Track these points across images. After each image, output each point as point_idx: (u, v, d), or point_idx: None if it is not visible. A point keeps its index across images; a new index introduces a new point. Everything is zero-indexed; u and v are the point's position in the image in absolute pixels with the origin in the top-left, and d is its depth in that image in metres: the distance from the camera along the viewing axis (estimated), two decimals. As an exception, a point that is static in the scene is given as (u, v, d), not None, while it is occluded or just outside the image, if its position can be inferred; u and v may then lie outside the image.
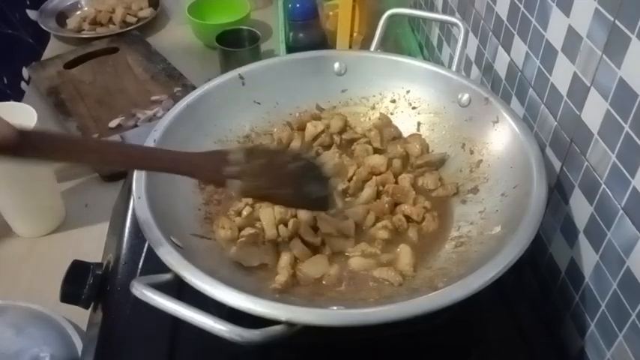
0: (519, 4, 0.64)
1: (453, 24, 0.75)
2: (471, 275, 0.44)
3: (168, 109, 0.65)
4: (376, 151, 0.67)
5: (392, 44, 1.00)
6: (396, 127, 0.70)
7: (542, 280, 0.63)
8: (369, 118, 0.72)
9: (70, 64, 1.13)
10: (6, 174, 0.72)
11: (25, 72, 1.13)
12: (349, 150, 0.68)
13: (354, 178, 0.63)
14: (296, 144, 0.68)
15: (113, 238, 0.64)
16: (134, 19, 1.27)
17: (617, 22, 0.46)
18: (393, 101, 0.71)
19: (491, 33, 0.73)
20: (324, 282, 0.53)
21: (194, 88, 0.84)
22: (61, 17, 1.29)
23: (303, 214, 0.58)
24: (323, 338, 0.49)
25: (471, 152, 0.63)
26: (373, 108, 0.72)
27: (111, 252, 0.63)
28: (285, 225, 0.57)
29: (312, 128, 0.69)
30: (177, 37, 1.25)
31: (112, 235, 0.67)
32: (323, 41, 1.06)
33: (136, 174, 0.55)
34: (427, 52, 1.04)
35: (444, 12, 0.92)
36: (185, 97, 0.65)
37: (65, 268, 0.58)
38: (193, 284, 0.44)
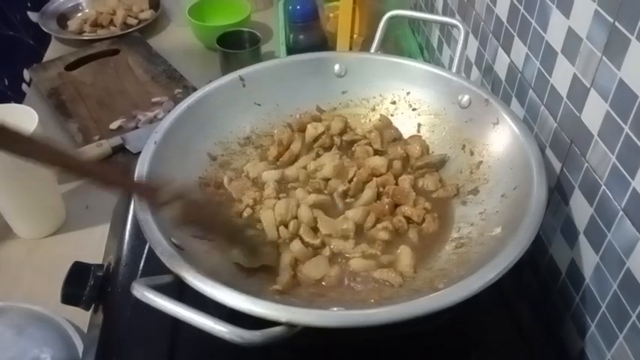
0: (519, 6, 0.64)
1: (453, 25, 0.76)
2: (472, 276, 0.44)
3: (169, 111, 0.65)
4: (376, 152, 0.67)
5: (392, 46, 1.00)
6: (396, 129, 0.70)
7: (542, 280, 0.63)
8: (370, 120, 0.72)
9: (71, 66, 1.13)
10: (7, 175, 0.73)
11: (26, 73, 1.13)
12: (349, 151, 0.68)
13: (355, 179, 0.63)
14: (296, 146, 0.68)
15: (114, 240, 0.64)
16: (135, 21, 1.27)
17: (616, 23, 0.46)
18: (394, 103, 0.71)
19: (491, 34, 0.73)
20: (324, 283, 0.53)
21: (195, 89, 0.84)
22: (62, 19, 1.30)
23: (304, 216, 0.58)
24: (323, 339, 0.49)
25: (471, 153, 0.63)
26: (373, 109, 0.72)
27: (112, 253, 0.63)
28: (286, 226, 0.57)
29: (312, 130, 0.69)
30: (178, 38, 1.25)
31: (112, 236, 0.67)
32: (323, 43, 1.06)
33: (136, 176, 0.55)
34: (427, 53, 1.05)
35: (444, 14, 0.92)
36: (186, 99, 0.65)
37: (66, 270, 0.58)
38: (194, 285, 0.44)
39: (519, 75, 0.66)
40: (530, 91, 0.63)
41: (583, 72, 0.52)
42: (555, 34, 0.57)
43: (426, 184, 0.63)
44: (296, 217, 0.58)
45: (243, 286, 0.46)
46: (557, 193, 0.58)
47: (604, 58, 0.48)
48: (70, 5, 1.33)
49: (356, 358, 0.52)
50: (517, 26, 0.65)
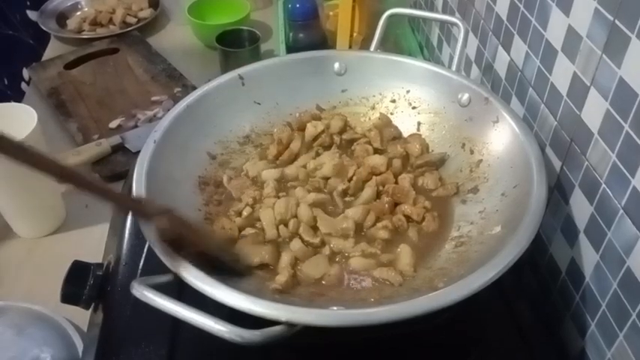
0: (519, 4, 0.64)
1: (453, 24, 0.75)
2: (471, 275, 0.44)
3: (169, 110, 0.65)
4: (376, 151, 0.67)
5: (392, 44, 1.00)
6: (396, 127, 0.70)
7: (542, 280, 0.63)
8: (369, 118, 0.72)
9: (71, 65, 1.13)
10: (6, 174, 0.73)
11: (25, 73, 1.13)
12: (349, 150, 0.68)
13: (354, 178, 0.63)
14: (296, 144, 0.68)
15: (113, 239, 0.64)
16: (134, 20, 1.27)
17: (616, 21, 0.46)
18: (393, 101, 0.71)
19: (491, 33, 0.73)
20: (324, 282, 0.53)
21: (194, 88, 0.84)
22: (62, 18, 1.29)
23: (304, 215, 0.58)
24: (323, 338, 0.49)
25: (471, 152, 0.63)
26: (373, 108, 0.72)
27: (111, 253, 0.63)
28: (286, 225, 0.57)
29: (312, 128, 0.69)
30: (178, 37, 1.25)
31: (112, 235, 0.67)
32: (323, 41, 1.06)
33: (136, 175, 0.55)
34: (427, 52, 1.04)
35: (444, 12, 0.92)
36: (185, 98, 0.65)
37: (66, 269, 0.58)
38: (193, 285, 0.44)
39: (519, 73, 0.66)
40: (530, 89, 0.63)
41: (583, 70, 0.52)
42: (555, 32, 0.57)
43: (425, 182, 0.63)
44: (296, 216, 0.58)
45: (242, 285, 0.46)
46: (557, 191, 0.58)
47: (604, 56, 0.48)
48: (69, 4, 1.33)
49: (356, 357, 0.52)
50: (517, 24, 0.65)
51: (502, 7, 0.69)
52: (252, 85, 0.69)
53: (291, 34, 1.07)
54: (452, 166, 0.65)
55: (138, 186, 0.53)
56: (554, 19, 0.57)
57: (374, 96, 0.72)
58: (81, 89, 1.06)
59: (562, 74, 0.56)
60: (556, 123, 0.58)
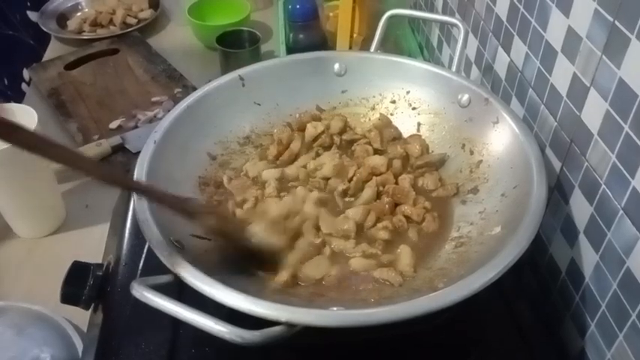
0: (519, 5, 0.64)
1: (453, 25, 0.75)
2: (471, 276, 0.44)
3: (169, 110, 0.65)
4: (376, 151, 0.67)
5: (392, 45, 1.00)
6: (396, 128, 0.70)
7: (542, 280, 0.63)
8: (369, 119, 0.72)
9: (71, 66, 1.13)
10: (6, 174, 0.73)
11: (25, 73, 1.13)
12: (349, 151, 0.68)
13: (355, 178, 0.63)
14: (296, 145, 0.68)
15: (113, 239, 0.64)
16: (134, 21, 1.27)
17: (616, 22, 0.46)
18: (393, 102, 0.71)
19: (491, 33, 0.73)
20: (324, 282, 0.53)
21: (194, 89, 0.84)
22: (62, 18, 1.29)
23: (310, 212, 0.58)
24: (323, 339, 0.49)
25: (471, 153, 0.63)
26: (373, 109, 0.72)
27: (111, 253, 0.63)
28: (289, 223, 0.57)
29: (312, 129, 0.69)
30: (178, 38, 1.25)
31: (112, 235, 0.67)
32: (323, 42, 1.06)
33: (136, 175, 0.55)
34: (427, 52, 1.04)
35: (444, 13, 0.92)
36: (185, 98, 0.65)
37: (65, 269, 0.58)
38: (193, 285, 0.44)
39: (519, 74, 0.66)
40: (530, 90, 0.63)
41: (583, 71, 0.52)
42: (555, 33, 0.57)
43: (425, 183, 0.63)
44: (299, 214, 0.58)
45: (242, 285, 0.46)
46: (557, 192, 0.58)
47: (604, 57, 0.48)
48: (69, 5, 1.33)
49: (356, 357, 0.52)
50: (517, 25, 0.65)
51: (502, 8, 0.69)
52: (252, 86, 0.69)
53: (291, 35, 1.07)
54: (452, 167, 0.65)
55: (138, 186, 0.53)
56: (554, 20, 0.57)
57: (374, 97, 0.72)
58: (81, 90, 1.07)
59: (562, 75, 0.56)
60: (556, 124, 0.58)
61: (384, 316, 0.42)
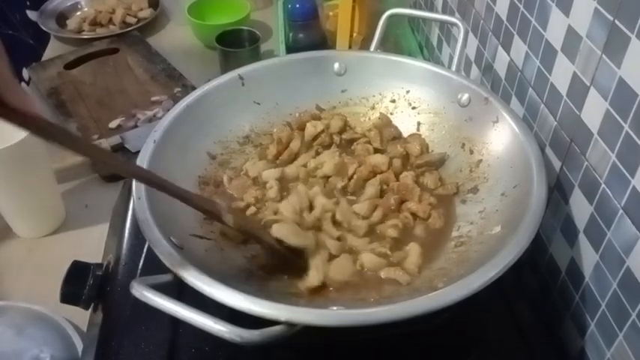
0: (519, 4, 0.64)
1: (453, 24, 0.75)
2: (471, 275, 0.44)
3: (168, 110, 0.65)
4: (376, 151, 0.67)
5: (392, 44, 1.00)
6: (395, 127, 0.70)
7: (542, 280, 0.63)
8: (369, 118, 0.72)
9: (71, 65, 1.13)
10: (6, 174, 0.73)
11: (25, 73, 1.13)
12: (349, 150, 0.68)
13: (355, 176, 0.63)
14: (296, 144, 0.68)
15: (113, 239, 0.64)
16: (134, 20, 1.27)
17: (616, 21, 0.46)
18: (393, 101, 0.71)
19: (490, 33, 0.73)
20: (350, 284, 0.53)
21: (194, 88, 0.84)
22: (61, 18, 1.29)
23: (323, 203, 0.58)
24: (323, 338, 0.49)
25: (471, 152, 0.63)
26: (373, 108, 0.72)
27: (111, 252, 0.63)
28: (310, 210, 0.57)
29: (311, 128, 0.69)
30: (177, 37, 1.25)
31: (112, 235, 0.67)
32: (323, 41, 1.06)
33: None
34: (427, 52, 1.04)
35: (444, 12, 0.92)
36: (185, 98, 0.65)
37: (65, 269, 0.58)
38: (193, 285, 0.44)
39: (519, 73, 0.66)
40: (530, 89, 0.63)
41: (583, 70, 0.52)
42: (555, 32, 0.57)
43: (425, 182, 0.63)
44: (311, 207, 0.58)
45: (242, 285, 0.46)
46: (557, 191, 0.58)
47: (604, 56, 0.48)
48: (69, 4, 1.33)
49: (356, 357, 0.52)
50: (517, 25, 0.65)
51: (502, 7, 0.69)
52: (251, 85, 0.69)
53: (290, 35, 1.07)
54: (452, 166, 0.65)
55: (137, 186, 0.53)
56: (553, 19, 0.57)
57: (374, 96, 0.72)
58: (81, 89, 1.06)
59: (562, 74, 0.56)
60: (556, 123, 0.58)
61: (383, 316, 0.42)
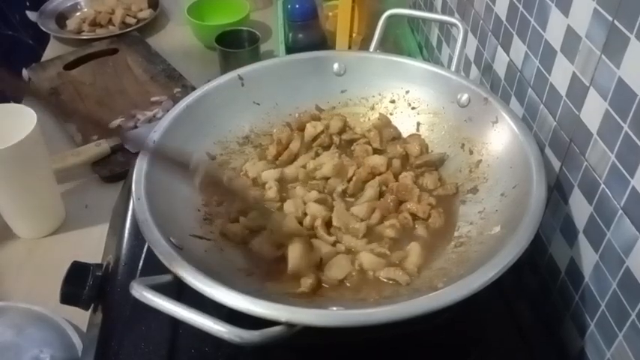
0: (518, 5, 0.64)
1: (452, 24, 0.75)
2: (471, 275, 0.44)
3: (168, 110, 0.65)
4: (376, 151, 0.67)
5: (391, 45, 1.00)
6: (395, 128, 0.70)
7: (541, 280, 0.63)
8: (369, 119, 0.72)
9: (70, 66, 1.13)
10: (6, 174, 0.72)
11: (25, 73, 1.13)
12: (349, 150, 0.68)
13: (354, 178, 0.63)
14: (295, 145, 0.68)
15: (113, 239, 0.64)
16: (134, 20, 1.27)
17: (616, 22, 0.46)
18: (393, 102, 0.71)
19: (490, 33, 0.73)
20: (348, 284, 0.53)
21: (194, 88, 0.84)
22: (61, 18, 1.29)
23: (316, 210, 0.58)
24: (323, 339, 0.49)
25: (471, 152, 0.63)
26: (372, 108, 0.72)
27: (111, 253, 0.63)
28: (301, 223, 0.58)
29: (311, 129, 0.69)
30: (177, 38, 1.25)
31: (111, 236, 0.67)
32: (322, 42, 1.06)
33: (135, 175, 0.55)
34: (426, 52, 1.04)
35: (444, 12, 0.92)
36: (185, 98, 0.65)
37: (65, 269, 0.58)
38: (192, 285, 0.44)
39: (518, 74, 0.66)
40: (530, 89, 0.63)
41: (582, 71, 0.52)
42: (554, 32, 0.57)
43: (425, 182, 0.63)
44: (306, 214, 0.58)
45: (242, 285, 0.46)
46: (557, 192, 0.58)
47: (603, 56, 0.48)
48: (68, 4, 1.33)
49: (356, 357, 0.52)
50: (516, 25, 0.65)
51: (501, 7, 0.69)
52: (251, 86, 0.69)
53: (290, 35, 1.07)
54: (451, 167, 0.65)
55: (137, 187, 0.53)
56: (553, 19, 0.57)
57: (373, 96, 0.72)
58: (80, 90, 1.06)
59: (561, 74, 0.56)
60: (555, 123, 0.58)
61: (384, 316, 0.42)
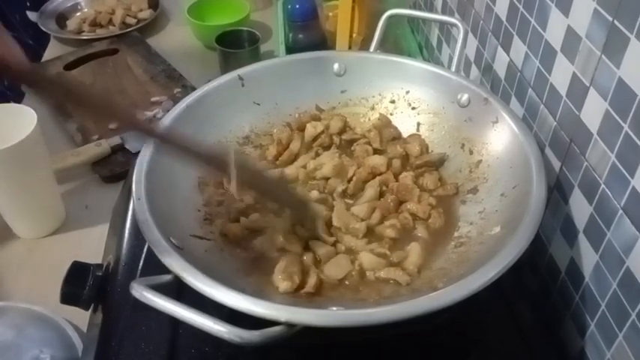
0: (518, 5, 0.64)
1: (453, 24, 0.75)
2: (471, 275, 0.44)
3: (168, 110, 0.65)
4: (376, 151, 0.67)
5: (391, 45, 1.00)
6: (395, 128, 0.70)
7: (542, 280, 0.63)
8: (369, 119, 0.72)
9: (70, 66, 1.13)
10: (6, 174, 0.73)
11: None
12: (349, 150, 0.68)
13: (354, 178, 0.63)
14: (296, 145, 0.68)
15: (113, 239, 0.64)
16: (134, 21, 1.27)
17: (616, 22, 0.46)
18: (393, 102, 0.71)
19: (490, 33, 0.73)
20: (347, 283, 0.53)
21: (194, 89, 0.84)
22: (61, 19, 1.29)
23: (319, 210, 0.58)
24: (323, 339, 0.49)
25: (471, 152, 0.63)
26: (373, 108, 0.72)
27: (111, 253, 0.63)
28: (302, 225, 0.58)
29: (311, 129, 0.69)
30: (177, 38, 1.25)
31: (112, 236, 0.67)
32: (323, 42, 1.06)
33: (135, 176, 0.55)
34: (427, 52, 1.04)
35: (444, 12, 0.92)
36: (185, 98, 0.65)
37: (65, 270, 0.58)
38: (192, 285, 0.44)
39: (519, 74, 0.66)
40: (530, 89, 0.63)
41: (582, 71, 0.52)
42: (554, 32, 0.57)
43: (425, 182, 0.63)
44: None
45: (242, 285, 0.46)
46: (557, 192, 0.58)
47: (603, 56, 0.48)
48: (68, 5, 1.33)
49: (356, 357, 0.52)
50: (516, 25, 0.65)
51: (501, 7, 0.69)
52: (251, 86, 0.69)
53: (290, 35, 1.07)
54: (451, 167, 0.65)
55: (137, 187, 0.53)
56: (553, 19, 0.57)
57: (373, 96, 0.72)
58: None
59: (561, 74, 0.56)
60: (555, 123, 0.58)
61: (384, 316, 0.42)
